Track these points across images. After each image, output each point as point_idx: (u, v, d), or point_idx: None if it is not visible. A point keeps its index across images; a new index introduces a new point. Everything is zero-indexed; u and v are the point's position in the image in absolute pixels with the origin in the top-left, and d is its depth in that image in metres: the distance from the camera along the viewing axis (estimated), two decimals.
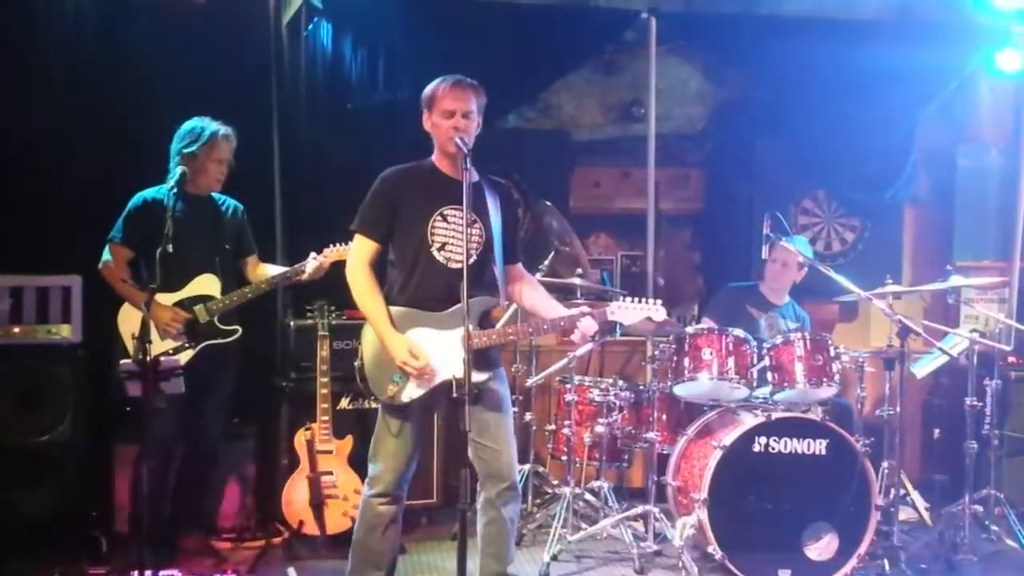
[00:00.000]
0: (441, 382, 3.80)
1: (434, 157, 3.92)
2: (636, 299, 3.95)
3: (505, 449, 3.90)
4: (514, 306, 4.70)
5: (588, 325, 3.86)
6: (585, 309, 3.86)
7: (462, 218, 3.73)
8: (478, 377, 3.72)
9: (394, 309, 3.84)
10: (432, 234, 3.83)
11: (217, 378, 4.77)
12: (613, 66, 6.71)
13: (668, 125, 6.73)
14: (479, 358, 3.73)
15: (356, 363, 3.91)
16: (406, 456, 3.91)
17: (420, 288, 3.85)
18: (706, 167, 7.02)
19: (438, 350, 3.80)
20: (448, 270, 3.83)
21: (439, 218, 3.84)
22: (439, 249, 3.83)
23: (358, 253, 3.89)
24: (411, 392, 3.82)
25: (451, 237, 3.83)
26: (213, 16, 5.51)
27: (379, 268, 3.94)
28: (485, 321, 3.92)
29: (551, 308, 3.99)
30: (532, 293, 4.09)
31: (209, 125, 4.65)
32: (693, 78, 6.86)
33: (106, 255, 4.69)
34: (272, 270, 4.91)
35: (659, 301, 3.94)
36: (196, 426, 4.76)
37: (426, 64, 5.64)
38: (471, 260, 3.76)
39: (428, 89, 3.87)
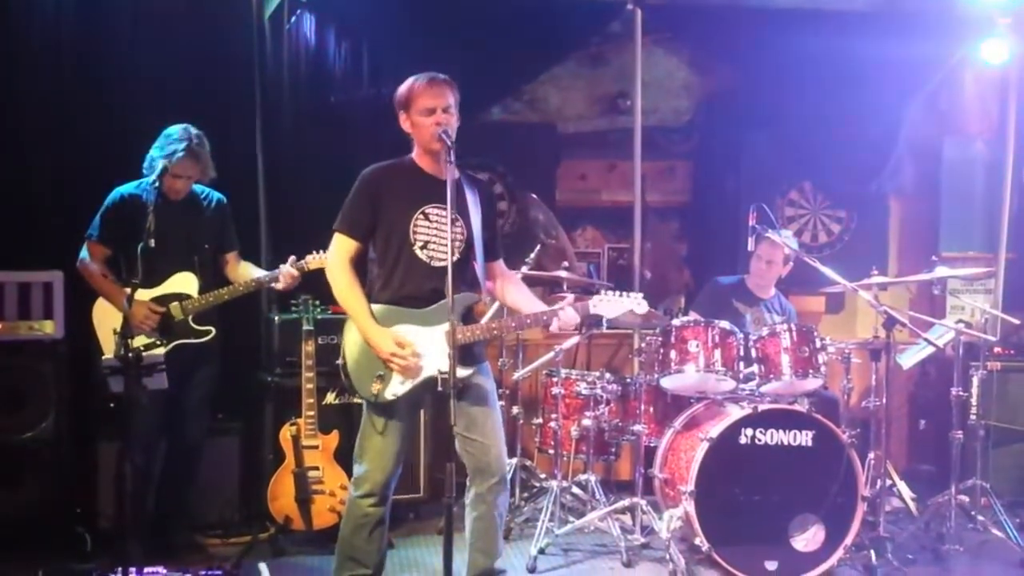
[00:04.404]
0: (425, 378, 3.79)
1: (414, 155, 3.91)
2: (618, 292, 3.94)
3: (494, 443, 3.89)
4: (497, 302, 4.70)
5: (570, 317, 3.86)
6: (570, 298, 3.85)
7: (444, 217, 3.76)
8: (462, 372, 3.71)
9: (376, 307, 3.83)
10: (415, 232, 3.83)
11: (198, 374, 4.74)
12: (599, 58, 6.70)
13: (654, 117, 6.72)
14: (463, 353, 3.73)
15: (338, 362, 3.90)
16: (393, 455, 3.89)
17: (403, 286, 3.85)
18: (693, 159, 7.01)
19: (421, 346, 3.79)
20: (431, 268, 3.83)
21: (421, 217, 3.84)
22: (422, 247, 3.83)
23: (339, 251, 3.87)
24: (395, 389, 3.80)
25: (433, 235, 3.84)
26: (195, 9, 5.48)
27: (359, 266, 3.93)
28: (468, 317, 3.91)
29: (532, 304, 3.99)
30: (513, 290, 4.09)
31: (180, 144, 4.52)
32: (679, 70, 6.85)
33: (83, 252, 4.66)
34: (251, 270, 4.87)
35: (640, 294, 3.93)
36: (179, 422, 4.74)
37: (411, 57, 5.65)
38: (454, 259, 3.74)
39: (402, 90, 3.86)
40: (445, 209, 3.73)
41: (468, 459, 3.89)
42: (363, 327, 3.79)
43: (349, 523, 3.97)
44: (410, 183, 3.86)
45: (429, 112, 3.78)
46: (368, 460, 3.89)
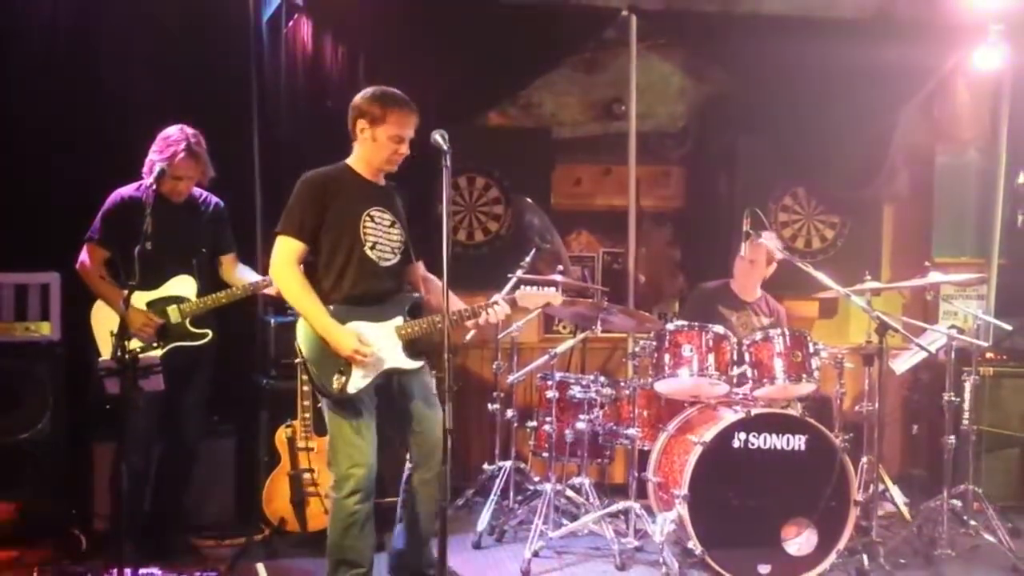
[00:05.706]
0: (383, 370, 3.95)
1: (352, 162, 4.03)
2: (538, 288, 4.18)
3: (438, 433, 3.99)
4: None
5: (501, 309, 4.03)
6: (499, 296, 4.06)
7: (386, 219, 3.98)
8: (415, 364, 3.99)
9: (329, 307, 3.92)
10: (365, 233, 3.95)
11: (195, 376, 4.76)
12: (594, 64, 6.71)
13: (649, 123, 6.73)
14: (413, 347, 3.98)
15: (298, 360, 4.04)
16: (370, 449, 3.98)
17: (355, 286, 3.95)
18: (687, 164, 7.02)
19: (375, 341, 3.92)
20: (380, 268, 3.98)
21: (368, 218, 3.97)
22: (371, 248, 3.96)
23: (287, 254, 3.93)
24: (356, 382, 3.90)
25: (381, 236, 3.99)
26: (192, 12, 5.50)
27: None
28: (414, 313, 4.07)
29: (455, 303, 4.07)
30: (436, 290, 4.17)
31: (179, 145, 4.52)
32: (674, 76, 6.86)
33: (83, 255, 4.67)
34: (248, 273, 4.89)
35: (555, 289, 4.21)
36: (174, 424, 4.75)
37: (407, 62, 5.67)
38: (396, 260, 4.01)
39: (373, 102, 3.95)
40: (386, 212, 3.98)
41: (415, 449, 4.09)
42: (323, 327, 3.86)
43: (337, 526, 4.01)
44: (353, 187, 3.99)
45: (397, 140, 3.92)
46: (344, 459, 3.96)
